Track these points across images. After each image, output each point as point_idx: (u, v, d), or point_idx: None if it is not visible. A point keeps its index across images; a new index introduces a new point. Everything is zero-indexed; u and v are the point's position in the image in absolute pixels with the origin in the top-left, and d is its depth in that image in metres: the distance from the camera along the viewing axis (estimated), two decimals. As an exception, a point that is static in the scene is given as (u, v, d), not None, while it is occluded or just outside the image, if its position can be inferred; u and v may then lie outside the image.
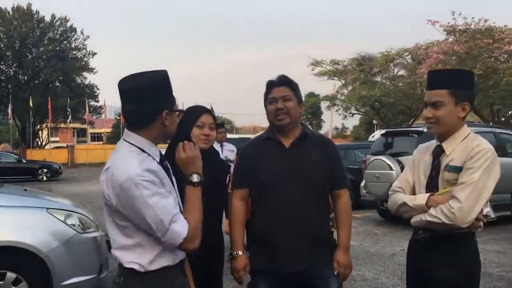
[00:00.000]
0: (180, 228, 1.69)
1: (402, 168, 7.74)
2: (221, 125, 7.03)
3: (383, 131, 9.61)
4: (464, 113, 2.13)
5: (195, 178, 1.82)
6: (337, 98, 26.86)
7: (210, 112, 2.59)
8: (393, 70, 27.19)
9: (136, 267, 1.72)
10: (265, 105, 2.45)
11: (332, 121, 32.92)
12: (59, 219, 3.82)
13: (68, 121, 37.95)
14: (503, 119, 21.35)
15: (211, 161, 2.56)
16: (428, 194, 2.12)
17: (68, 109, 36.05)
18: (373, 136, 21.10)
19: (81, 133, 55.36)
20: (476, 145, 2.07)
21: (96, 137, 56.98)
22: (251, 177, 2.40)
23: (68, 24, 41.66)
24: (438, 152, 2.17)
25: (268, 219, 2.35)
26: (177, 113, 1.90)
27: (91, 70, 42.45)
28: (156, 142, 1.85)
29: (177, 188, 1.90)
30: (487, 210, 2.06)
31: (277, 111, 2.35)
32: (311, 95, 49.35)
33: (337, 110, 27.58)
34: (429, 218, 2.06)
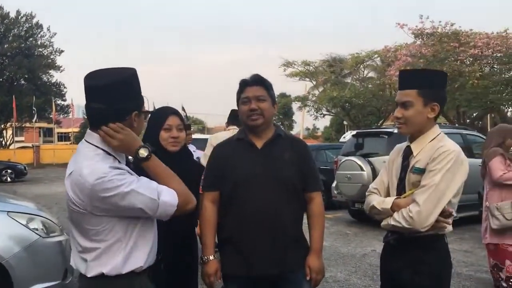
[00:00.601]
0: (169, 197, 1.66)
1: (373, 168, 7.81)
2: (188, 127, 6.90)
3: (354, 132, 9.69)
4: (434, 114, 2.10)
5: (143, 151, 1.71)
6: (309, 99, 27.05)
7: (176, 113, 2.51)
8: (363, 72, 27.64)
9: (104, 271, 1.64)
10: (237, 105, 2.38)
11: (304, 122, 33.11)
12: (21, 223, 3.66)
13: (33, 120, 36.80)
14: (468, 121, 21.92)
15: (183, 163, 2.47)
16: (394, 198, 2.12)
17: (34, 108, 34.92)
18: (344, 137, 21.32)
19: (48, 132, 53.92)
20: (440, 146, 2.04)
21: (63, 137, 55.61)
22: (222, 179, 2.33)
23: (34, 21, 40.41)
24: (408, 153, 2.15)
25: (239, 221, 2.29)
26: (144, 115, 1.82)
27: (58, 68, 41.27)
28: None
29: None
30: (449, 208, 2.03)
31: (250, 111, 2.30)
32: (282, 95, 49.44)
33: (308, 111, 27.80)
34: (392, 222, 2.05)
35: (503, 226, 3.69)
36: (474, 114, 22.76)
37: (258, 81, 2.35)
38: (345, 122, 34.38)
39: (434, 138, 2.10)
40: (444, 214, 2.00)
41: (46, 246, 3.69)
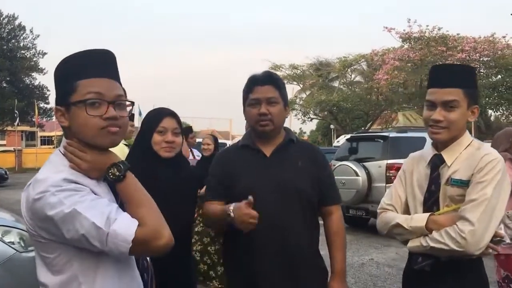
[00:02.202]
0: (124, 228, 1.22)
1: (368, 174, 7.62)
2: (189, 130, 6.59)
3: (348, 136, 9.50)
4: (474, 117, 1.83)
5: (115, 171, 1.33)
6: (296, 103, 26.92)
7: (173, 115, 2.23)
8: (350, 75, 27.63)
9: None
10: (244, 105, 2.07)
11: (291, 126, 32.98)
12: (-4, 237, 3.33)
13: (15, 123, 36.03)
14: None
15: (177, 172, 2.22)
16: (428, 214, 1.79)
17: (16, 111, 34.19)
18: (338, 141, 21.20)
19: (30, 136, 52.89)
20: (484, 155, 1.75)
21: (46, 141, 54.62)
22: (227, 189, 2.04)
23: (17, 22, 39.75)
24: (437, 163, 1.85)
25: (245, 240, 1.97)
26: (85, 103, 1.32)
27: (40, 70, 40.57)
28: (94, 147, 1.36)
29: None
30: (501, 231, 1.74)
31: (260, 116, 1.98)
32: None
33: (296, 115, 27.65)
34: (433, 244, 1.72)
35: None
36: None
37: (270, 79, 2.02)
38: (332, 126, 34.36)
39: (469, 144, 1.83)
40: (495, 239, 1.71)
41: (24, 261, 3.37)
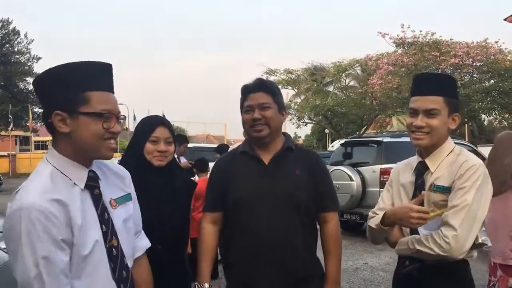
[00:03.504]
0: None
1: (362, 178, 7.67)
2: (184, 139, 6.57)
3: (342, 141, 9.57)
4: (455, 125, 1.90)
5: None
6: (291, 107, 27.00)
7: (166, 124, 2.26)
8: (345, 80, 27.75)
9: None
10: (241, 113, 2.12)
11: (286, 130, 33.01)
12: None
13: (10, 128, 35.88)
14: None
15: (170, 180, 2.25)
16: (384, 211, 1.87)
17: (10, 116, 34.11)
18: (332, 146, 21.26)
19: (24, 141, 52.60)
20: (464, 161, 1.82)
21: (41, 145, 54.34)
22: (224, 198, 2.07)
23: (11, 27, 39.65)
24: (421, 170, 1.92)
25: (242, 250, 2.01)
26: (98, 116, 1.38)
27: (35, 75, 40.38)
28: (82, 160, 1.42)
29: (115, 225, 1.49)
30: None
31: (253, 121, 2.03)
32: (264, 104, 49.43)
33: (290, 119, 27.73)
34: (419, 247, 1.78)
35: None
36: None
37: (261, 86, 2.08)
38: (326, 131, 34.48)
39: (451, 151, 1.89)
40: (477, 242, 1.78)
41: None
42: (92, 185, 1.44)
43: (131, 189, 1.66)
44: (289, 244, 1.98)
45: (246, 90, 2.10)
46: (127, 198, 1.59)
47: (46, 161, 1.42)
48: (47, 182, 1.35)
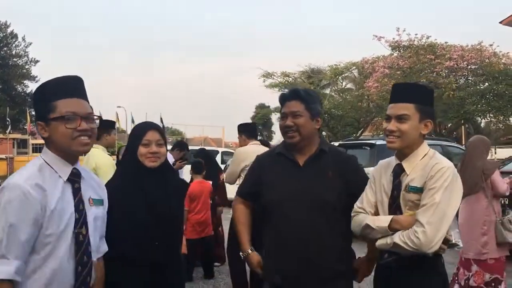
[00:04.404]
0: (2, 270, 1.53)
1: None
2: (183, 145, 6.53)
3: (337, 143, 9.72)
4: (427, 130, 2.06)
5: None
6: (288, 110, 27.14)
7: (157, 128, 2.42)
8: (342, 83, 27.93)
9: None
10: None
11: (283, 133, 33.11)
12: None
13: (7, 131, 35.93)
14: (444, 131, 22.32)
15: (164, 179, 2.40)
16: (391, 216, 2.02)
17: (8, 119, 34.15)
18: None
19: (22, 144, 52.67)
20: (435, 164, 1.98)
21: (38, 148, 54.37)
22: (258, 194, 2.26)
23: (9, 30, 39.73)
24: (398, 171, 2.08)
25: (274, 245, 2.17)
26: (63, 118, 1.69)
27: (33, 78, 40.53)
28: (69, 157, 1.74)
29: (88, 218, 1.76)
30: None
31: (286, 128, 2.20)
32: (262, 106, 49.66)
33: (287, 122, 27.88)
34: (396, 241, 1.94)
35: None
36: (449, 125, 23.21)
37: (295, 95, 2.24)
38: (323, 133, 34.68)
39: (425, 155, 2.05)
40: (450, 242, 1.96)
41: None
42: (74, 180, 1.74)
43: (105, 198, 1.94)
44: (314, 243, 2.12)
45: (283, 98, 2.28)
46: (101, 202, 1.89)
47: (39, 157, 1.74)
48: (34, 171, 1.66)
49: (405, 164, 2.06)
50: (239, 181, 4.37)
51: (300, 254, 2.12)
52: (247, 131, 4.78)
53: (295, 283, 2.14)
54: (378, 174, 2.18)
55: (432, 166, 1.97)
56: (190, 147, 7.91)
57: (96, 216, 1.82)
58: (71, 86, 1.74)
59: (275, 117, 32.27)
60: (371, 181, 2.20)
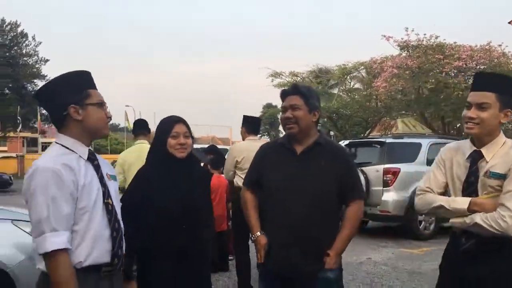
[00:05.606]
0: (56, 241, 1.71)
1: (366, 178, 7.89)
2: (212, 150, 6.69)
3: (346, 142, 9.85)
4: (506, 119, 2.15)
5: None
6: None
7: (183, 121, 2.58)
8: (350, 83, 27.92)
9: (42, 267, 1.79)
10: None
11: (291, 132, 33.08)
12: (25, 231, 3.63)
13: (18, 130, 36.32)
14: (452, 131, 22.28)
15: (190, 169, 2.56)
16: (469, 198, 2.11)
17: (19, 118, 34.52)
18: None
19: (32, 142, 53.17)
20: None
21: (47, 147, 54.78)
22: (259, 180, 2.48)
23: (19, 30, 40.09)
24: (476, 158, 2.17)
25: (270, 227, 2.40)
26: (98, 104, 1.93)
27: (43, 77, 40.81)
28: (85, 140, 1.92)
29: (110, 191, 1.96)
30: None
31: (285, 120, 2.40)
32: (269, 106, 49.75)
33: (295, 121, 27.89)
34: (478, 221, 2.03)
35: None
36: (458, 125, 23.17)
37: (295, 91, 2.45)
38: (331, 133, 34.68)
39: (503, 143, 2.15)
40: None
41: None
42: (92, 158, 1.94)
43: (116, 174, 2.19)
44: (307, 223, 2.30)
45: (283, 94, 2.49)
46: (114, 177, 2.09)
47: (54, 143, 1.92)
48: (58, 153, 1.85)
49: (484, 151, 2.14)
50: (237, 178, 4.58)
51: (293, 232, 2.32)
52: (247, 124, 4.89)
53: (284, 256, 2.34)
54: (449, 156, 2.27)
55: None
56: (198, 146, 8.02)
57: (115, 189, 2.03)
58: (92, 79, 2.00)
59: (282, 117, 32.20)
60: (440, 164, 2.29)
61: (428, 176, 2.30)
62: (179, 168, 2.50)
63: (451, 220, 2.16)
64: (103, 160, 2.08)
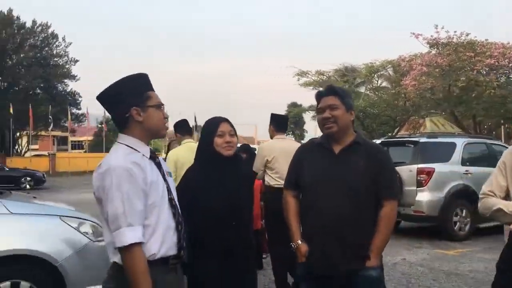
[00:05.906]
0: (132, 235, 1.79)
1: (399, 178, 7.79)
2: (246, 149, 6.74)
3: (379, 141, 9.77)
4: None
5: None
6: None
7: (227, 120, 2.64)
8: (377, 81, 27.61)
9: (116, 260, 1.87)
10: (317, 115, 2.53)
11: (317, 131, 33.06)
12: (73, 227, 3.76)
13: (49, 129, 37.26)
14: (483, 130, 21.81)
15: (236, 167, 2.61)
16: None
17: (50, 117, 35.40)
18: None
19: (62, 141, 54.43)
20: None
21: (77, 146, 56.06)
22: (299, 180, 2.50)
23: (50, 31, 41.05)
24: None
25: (310, 225, 2.43)
26: (157, 107, 2.00)
27: (73, 77, 41.88)
28: (145, 140, 2.00)
29: (170, 186, 2.04)
30: None
31: (324, 120, 2.42)
32: (294, 105, 49.61)
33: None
34: None
35: None
36: (489, 123, 22.67)
37: (330, 91, 2.48)
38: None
39: None
40: None
41: (96, 250, 3.76)
42: (154, 157, 2.02)
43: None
44: (347, 222, 2.32)
45: (318, 95, 2.51)
46: (170, 174, 2.17)
47: (118, 143, 1.97)
48: (125, 153, 1.91)
49: None
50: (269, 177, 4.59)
51: (333, 230, 2.33)
52: (275, 122, 4.89)
53: (331, 254, 2.34)
54: (510, 160, 2.27)
55: None
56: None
57: (173, 185, 2.11)
58: (150, 81, 2.07)
59: (308, 116, 32.17)
60: (502, 167, 2.29)
61: (490, 179, 2.30)
62: (226, 167, 2.55)
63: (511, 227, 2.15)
64: (160, 158, 2.16)
